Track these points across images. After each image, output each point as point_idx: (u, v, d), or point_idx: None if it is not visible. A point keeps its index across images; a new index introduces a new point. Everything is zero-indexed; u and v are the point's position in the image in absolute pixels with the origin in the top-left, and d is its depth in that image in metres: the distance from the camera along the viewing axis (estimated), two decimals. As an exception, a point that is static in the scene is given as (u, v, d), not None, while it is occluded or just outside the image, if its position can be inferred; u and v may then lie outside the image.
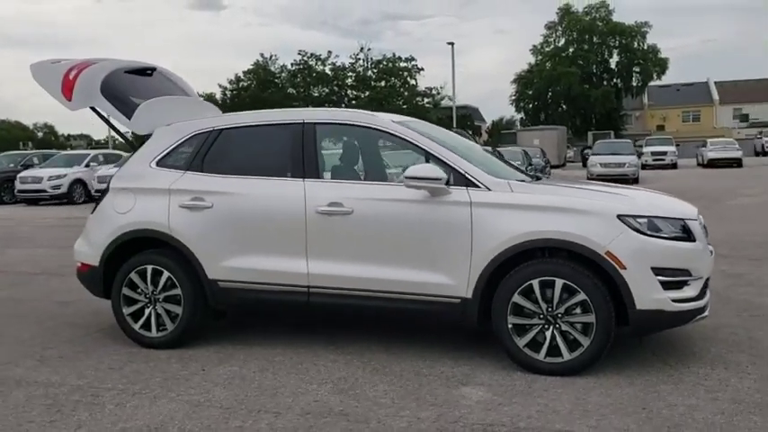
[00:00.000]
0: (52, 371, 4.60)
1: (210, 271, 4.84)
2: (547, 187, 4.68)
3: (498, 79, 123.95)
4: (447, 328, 5.15)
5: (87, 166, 21.79)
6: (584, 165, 34.30)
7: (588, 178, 22.47)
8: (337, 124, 4.97)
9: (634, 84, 60.67)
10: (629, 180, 22.90)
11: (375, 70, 57.35)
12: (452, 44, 40.94)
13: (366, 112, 4.99)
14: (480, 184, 4.38)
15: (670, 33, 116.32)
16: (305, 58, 56.75)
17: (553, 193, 4.45)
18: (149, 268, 4.99)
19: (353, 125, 4.88)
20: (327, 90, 57.87)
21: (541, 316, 4.19)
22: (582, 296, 4.10)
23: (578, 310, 4.13)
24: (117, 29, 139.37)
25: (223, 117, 5.33)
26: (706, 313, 4.33)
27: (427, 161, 4.54)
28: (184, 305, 4.92)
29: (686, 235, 4.22)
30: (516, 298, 4.22)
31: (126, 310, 5.08)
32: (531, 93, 60.51)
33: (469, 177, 4.41)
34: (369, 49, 62.67)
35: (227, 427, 3.58)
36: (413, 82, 56.06)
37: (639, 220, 4.13)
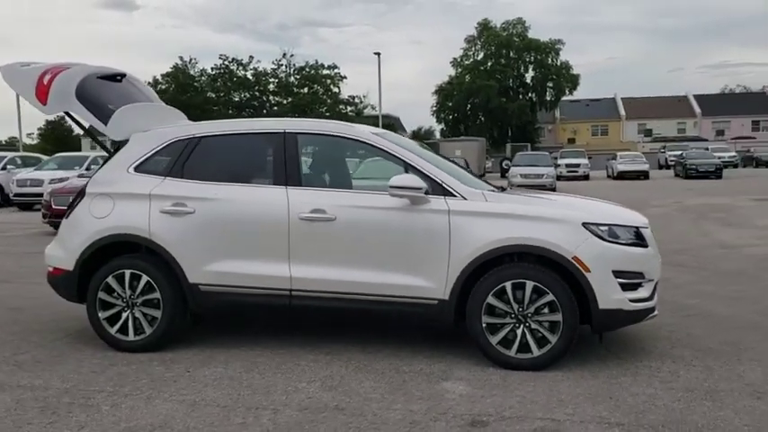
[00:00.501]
0: (33, 375, 4.59)
1: (191, 275, 4.96)
2: (516, 197, 5.07)
3: (415, 89, 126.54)
4: (417, 327, 5.46)
5: (4, 168, 20.86)
6: (503, 175, 35.51)
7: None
8: (318, 134, 5.19)
9: (548, 98, 63.29)
10: (547, 190, 24.00)
11: (298, 77, 57.37)
12: (379, 54, 41.74)
13: (346, 123, 5.24)
14: (457, 194, 4.71)
15: (577, 50, 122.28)
16: (226, 63, 56.12)
17: (523, 203, 4.84)
18: (127, 272, 5.05)
19: (334, 136, 5.12)
20: (249, 95, 57.38)
21: (513, 315, 4.56)
22: (550, 297, 4.49)
23: (546, 310, 4.52)
24: (27, 26, 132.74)
25: (203, 125, 5.45)
26: (656, 312, 4.82)
27: (406, 171, 4.83)
28: (163, 309, 5.01)
29: (640, 241, 4.69)
30: (490, 299, 4.57)
31: (102, 315, 5.11)
32: (451, 104, 62.04)
33: (446, 187, 4.73)
34: (291, 56, 62.73)
35: (229, 424, 3.74)
36: (336, 90, 56.47)
37: (601, 227, 4.57)
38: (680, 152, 41.54)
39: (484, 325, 4.59)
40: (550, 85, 61.95)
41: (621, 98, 75.59)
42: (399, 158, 4.90)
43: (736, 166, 46.05)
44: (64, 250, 5.25)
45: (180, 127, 5.38)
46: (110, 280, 5.08)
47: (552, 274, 4.51)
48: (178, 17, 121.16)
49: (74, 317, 6.04)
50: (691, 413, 3.80)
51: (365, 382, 4.37)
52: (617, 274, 4.51)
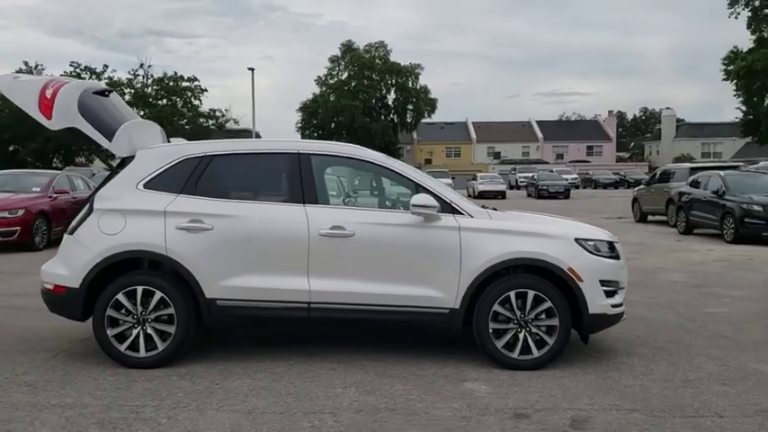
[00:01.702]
0: (56, 394, 4.52)
1: (209, 290, 5.06)
2: (515, 215, 5.68)
3: (271, 104, 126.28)
4: (400, 334, 5.88)
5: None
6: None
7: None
8: (331, 156, 5.51)
9: (409, 120, 65.79)
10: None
11: (156, 87, 55.41)
12: (252, 69, 41.54)
13: (356, 146, 5.60)
14: (464, 212, 5.23)
15: (424, 75, 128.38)
16: (77, 71, 52.97)
17: (522, 221, 5.45)
18: (140, 289, 5.06)
19: (347, 157, 5.46)
20: (102, 105, 54.33)
21: (515, 321, 5.13)
22: (548, 304, 5.11)
23: (544, 316, 5.13)
24: None
25: (214, 143, 5.58)
26: (625, 316, 5.59)
27: (416, 192, 5.26)
28: (177, 324, 5.06)
29: (614, 254, 5.44)
30: (496, 307, 5.11)
31: (110, 332, 5.07)
32: (316, 122, 62.68)
33: (454, 206, 5.24)
34: (149, 66, 60.38)
35: (300, 428, 3.97)
36: (197, 102, 55.13)
37: (589, 242, 5.28)
38: (531, 174, 44.95)
39: (491, 330, 5.12)
40: (410, 107, 64.47)
41: (472, 122, 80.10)
42: (410, 179, 5.34)
43: (577, 187, 50.49)
44: (68, 267, 5.14)
45: (190, 145, 5.49)
46: (120, 297, 5.06)
47: (549, 284, 5.14)
48: (6, 18, 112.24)
49: (49, 336, 5.90)
50: (681, 398, 4.54)
51: (395, 386, 4.73)
52: (602, 282, 5.22)
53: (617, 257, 5.44)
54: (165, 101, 55.22)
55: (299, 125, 63.80)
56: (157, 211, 5.12)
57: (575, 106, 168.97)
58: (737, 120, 49.87)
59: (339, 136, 62.81)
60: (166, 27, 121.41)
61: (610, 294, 5.28)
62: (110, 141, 5.30)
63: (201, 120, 55.01)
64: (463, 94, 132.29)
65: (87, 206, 5.29)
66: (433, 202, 5.10)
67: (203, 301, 5.08)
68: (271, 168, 5.42)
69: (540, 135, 79.02)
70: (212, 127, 54.48)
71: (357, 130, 60.93)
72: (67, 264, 5.17)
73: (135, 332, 5.08)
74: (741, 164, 24.08)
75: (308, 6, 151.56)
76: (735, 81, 44.15)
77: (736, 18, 45.63)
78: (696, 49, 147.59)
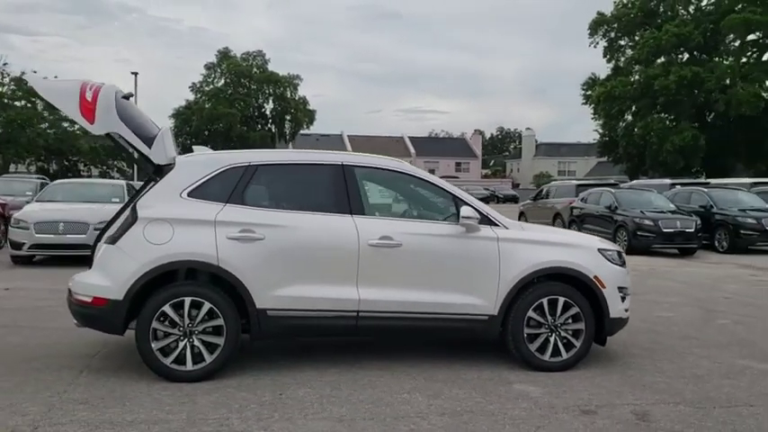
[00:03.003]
0: (121, 411, 4.30)
1: (260, 300, 5.02)
2: (543, 227, 6.05)
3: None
4: (432, 343, 6.09)
5: None
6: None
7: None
8: (374, 168, 5.62)
9: (287, 130, 65.38)
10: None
11: (14, 87, 51.31)
12: (136, 74, 39.93)
13: (397, 159, 5.74)
14: (500, 224, 5.54)
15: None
16: None
17: (551, 232, 5.85)
18: (187, 300, 4.92)
19: (389, 170, 5.60)
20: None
21: (547, 326, 5.50)
22: (576, 309, 5.52)
23: (571, 320, 5.54)
24: None
25: (255, 153, 5.51)
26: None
27: (456, 205, 5.51)
28: (227, 336, 4.97)
29: (623, 262, 5.97)
30: (530, 313, 5.46)
31: (155, 345, 4.88)
32: (190, 129, 60.72)
33: (491, 218, 5.53)
34: (5, 64, 55.78)
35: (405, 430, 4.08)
36: (60, 106, 51.53)
37: (608, 252, 5.76)
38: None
39: (525, 335, 5.46)
40: (288, 117, 64.16)
41: (348, 135, 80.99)
42: (448, 192, 5.58)
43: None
44: (110, 278, 4.89)
45: (233, 154, 5.43)
46: (166, 308, 4.89)
47: (577, 292, 5.55)
48: None
49: (56, 353, 5.56)
50: (705, 391, 5.10)
51: (454, 390, 4.94)
52: (619, 289, 5.72)
53: (624, 265, 5.97)
54: (24, 102, 51.28)
55: (173, 131, 61.46)
56: (207, 221, 5.01)
57: (434, 123, 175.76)
58: (595, 141, 54.09)
59: (215, 144, 61.26)
60: (7, 21, 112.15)
61: (623, 299, 5.78)
62: (149, 148, 5.12)
63: (65, 124, 51.61)
64: (326, 107, 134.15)
65: (129, 215, 5.06)
66: (475, 213, 5.37)
67: (253, 311, 5.02)
68: (316, 180, 5.45)
69: (412, 150, 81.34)
70: (78, 132, 51.30)
71: (234, 139, 59.73)
72: (109, 274, 4.91)
73: (181, 345, 4.92)
74: (618, 182, 26.28)
75: (168, 10, 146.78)
76: (593, 105, 48.06)
77: (595, 47, 49.84)
78: (545, 73, 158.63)
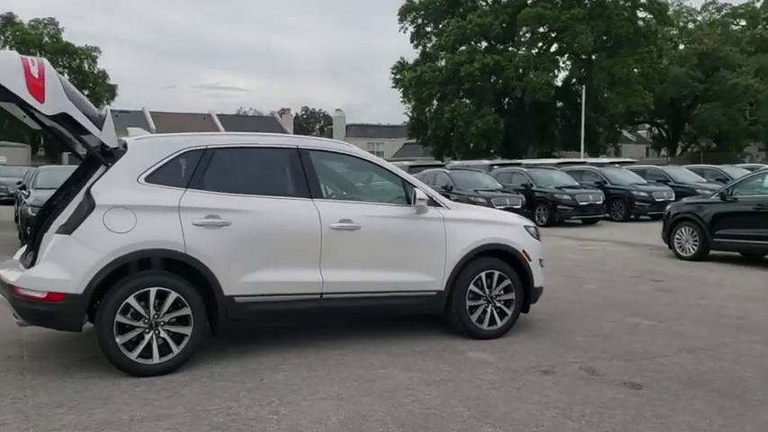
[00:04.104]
0: (118, 409, 4.03)
1: (227, 287, 4.90)
2: (472, 206, 6.44)
3: None
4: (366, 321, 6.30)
5: None
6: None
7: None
8: (328, 152, 5.63)
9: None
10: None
11: None
12: None
13: (348, 143, 5.80)
14: (443, 205, 5.88)
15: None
16: None
17: (484, 212, 6.28)
18: (153, 290, 4.67)
19: (342, 153, 5.66)
20: None
21: (484, 298, 5.96)
22: (508, 281, 6.04)
23: (503, 292, 6.05)
24: None
25: (211, 136, 5.26)
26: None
27: (404, 187, 5.74)
28: (194, 325, 4.80)
29: (538, 235, 6.60)
30: (471, 287, 5.88)
31: (119, 340, 4.59)
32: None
33: (435, 199, 5.85)
34: None
35: (401, 404, 4.28)
36: None
37: (530, 228, 6.35)
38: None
39: (467, 307, 5.87)
40: (87, 93, 59.10)
41: (150, 111, 76.59)
42: (397, 175, 5.79)
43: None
44: (67, 271, 4.48)
45: (189, 137, 5.15)
46: (130, 300, 4.60)
47: (507, 265, 6.07)
48: None
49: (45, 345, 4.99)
50: (622, 347, 5.84)
51: (420, 362, 5.21)
52: (540, 261, 6.34)
53: (539, 239, 6.61)
54: None
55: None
56: (171, 207, 4.77)
57: (235, 101, 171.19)
58: (405, 124, 56.54)
59: None
60: None
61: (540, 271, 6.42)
62: (100, 130, 4.73)
63: None
64: (121, 82, 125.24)
65: (84, 202, 4.64)
66: (425, 195, 5.66)
67: (221, 299, 4.89)
68: (273, 163, 5.37)
69: (221, 128, 78.82)
70: None
71: (24, 116, 53.91)
72: (66, 267, 4.50)
73: (147, 337, 4.67)
74: (444, 164, 27.95)
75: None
76: (403, 89, 50.22)
77: (404, 32, 51.94)
78: (352, 55, 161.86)
